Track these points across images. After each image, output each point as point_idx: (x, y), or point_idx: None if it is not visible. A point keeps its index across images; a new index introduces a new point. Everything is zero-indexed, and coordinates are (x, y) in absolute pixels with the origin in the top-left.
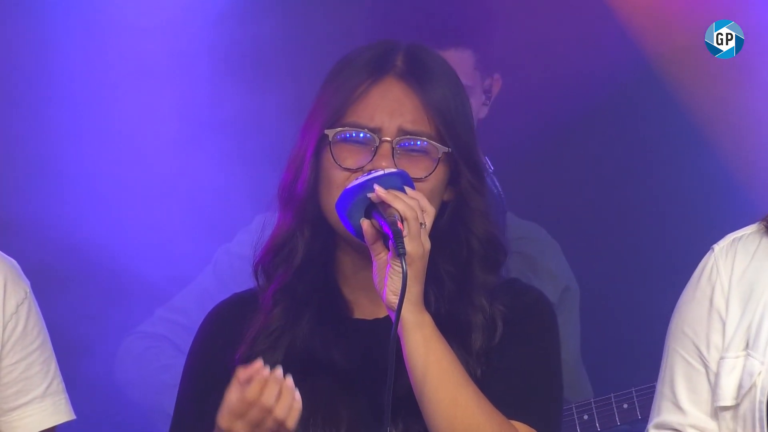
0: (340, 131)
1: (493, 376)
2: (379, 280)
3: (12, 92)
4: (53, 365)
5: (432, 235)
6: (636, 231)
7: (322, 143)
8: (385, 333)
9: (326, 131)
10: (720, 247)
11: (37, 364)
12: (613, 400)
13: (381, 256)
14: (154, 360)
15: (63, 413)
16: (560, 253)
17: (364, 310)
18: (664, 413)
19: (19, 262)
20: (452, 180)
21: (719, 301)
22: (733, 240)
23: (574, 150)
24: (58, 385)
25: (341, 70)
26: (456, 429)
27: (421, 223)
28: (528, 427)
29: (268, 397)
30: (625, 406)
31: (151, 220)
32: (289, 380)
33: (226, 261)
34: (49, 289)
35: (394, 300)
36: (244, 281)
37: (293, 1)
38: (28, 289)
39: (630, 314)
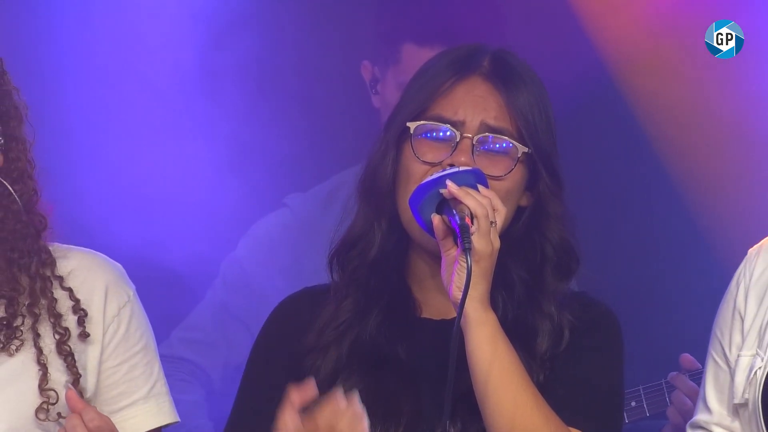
0: (422, 125)
1: (555, 383)
2: (447, 275)
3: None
4: (156, 367)
5: (506, 240)
6: (645, 231)
7: (403, 136)
8: (450, 333)
9: (408, 123)
10: (752, 249)
11: (140, 366)
12: None
13: (450, 252)
14: (171, 384)
15: (167, 415)
16: None
17: (433, 311)
18: (698, 413)
19: None
20: (530, 184)
21: (740, 300)
22: (763, 242)
23: (575, 150)
24: (162, 387)
25: (428, 69)
26: (515, 429)
27: (491, 222)
28: None
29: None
30: (633, 404)
31: (149, 225)
32: (357, 406)
33: (236, 270)
34: None
35: (459, 295)
36: (258, 285)
37: (293, 8)
38: (132, 293)
39: (637, 313)
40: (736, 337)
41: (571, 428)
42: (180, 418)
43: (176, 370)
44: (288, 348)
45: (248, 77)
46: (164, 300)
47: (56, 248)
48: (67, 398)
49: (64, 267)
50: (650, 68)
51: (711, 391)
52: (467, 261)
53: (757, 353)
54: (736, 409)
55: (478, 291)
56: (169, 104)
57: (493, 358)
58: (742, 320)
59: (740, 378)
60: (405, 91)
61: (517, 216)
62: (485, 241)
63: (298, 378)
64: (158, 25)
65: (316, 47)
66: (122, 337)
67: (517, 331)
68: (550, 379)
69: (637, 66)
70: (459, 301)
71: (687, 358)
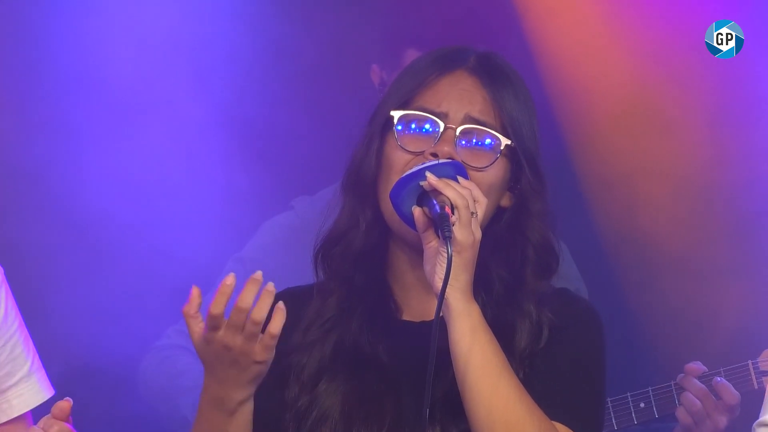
0: (406, 114)
1: (536, 378)
2: (430, 267)
3: (21, 94)
4: (30, 344)
5: (487, 240)
6: (648, 230)
7: (387, 126)
8: (431, 335)
9: (392, 112)
10: None
11: (20, 344)
12: (629, 399)
13: (432, 244)
14: (172, 366)
15: (48, 389)
16: (568, 255)
17: (413, 312)
18: (765, 413)
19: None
20: (512, 183)
21: None
22: None
23: (578, 151)
24: (38, 361)
25: (414, 65)
26: (495, 420)
27: (472, 213)
28: (568, 429)
29: (245, 299)
30: (642, 405)
31: (155, 228)
32: (270, 286)
33: (240, 270)
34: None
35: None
36: (261, 286)
37: (302, 11)
38: (2, 271)
39: (646, 315)
40: None
41: (554, 422)
42: (193, 381)
43: (177, 351)
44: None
45: (256, 81)
46: (170, 303)
47: None
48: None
49: None
50: (650, 67)
51: None
52: (447, 250)
53: None
54: None
55: (461, 282)
56: (176, 107)
57: (475, 349)
58: None
59: None
60: (391, 86)
61: (498, 216)
62: (466, 232)
63: (281, 376)
64: (165, 26)
65: (324, 51)
66: (2, 317)
67: (496, 329)
68: (530, 376)
69: (637, 65)
70: (439, 292)
71: (692, 368)
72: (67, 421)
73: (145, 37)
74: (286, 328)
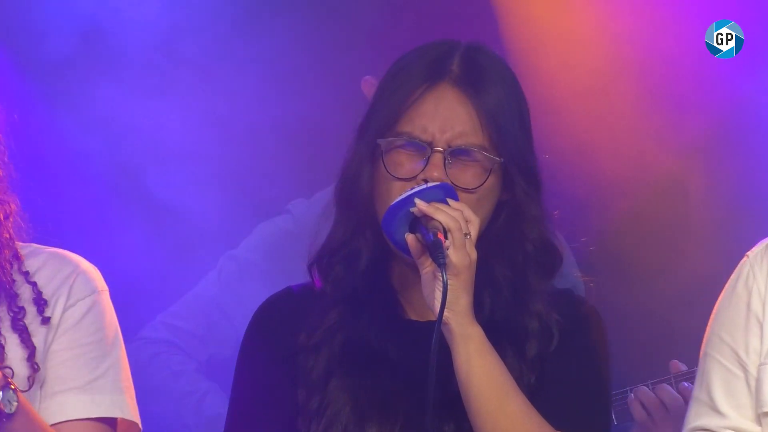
0: (392, 141)
1: (546, 387)
2: (428, 292)
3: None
4: (106, 366)
5: (488, 238)
6: (638, 232)
7: (376, 151)
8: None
9: (378, 141)
10: (754, 253)
11: (85, 357)
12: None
13: (428, 269)
14: (164, 368)
15: (102, 408)
16: (569, 254)
17: (418, 313)
18: (702, 417)
19: None
20: (506, 186)
21: (757, 305)
22: (767, 246)
23: (579, 151)
24: (106, 385)
25: (396, 74)
26: None
27: (465, 234)
28: None
29: None
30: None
31: (154, 229)
32: None
33: (234, 267)
34: None
35: (444, 312)
36: (253, 285)
37: (296, 13)
38: (99, 290)
39: (631, 316)
40: (754, 343)
41: None
42: (189, 385)
43: (165, 347)
44: (278, 347)
45: (251, 83)
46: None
47: (30, 246)
48: None
49: (31, 265)
50: (651, 67)
51: (720, 396)
52: (443, 276)
53: None
54: (759, 418)
55: (461, 305)
56: (172, 111)
57: (482, 372)
58: (761, 326)
59: None
60: (377, 94)
61: (496, 212)
62: (461, 254)
63: (291, 377)
64: (165, 27)
65: (321, 55)
66: (73, 325)
67: (508, 332)
68: (541, 381)
69: (637, 64)
70: (444, 318)
71: (675, 364)
72: None
73: (144, 40)
74: (291, 328)
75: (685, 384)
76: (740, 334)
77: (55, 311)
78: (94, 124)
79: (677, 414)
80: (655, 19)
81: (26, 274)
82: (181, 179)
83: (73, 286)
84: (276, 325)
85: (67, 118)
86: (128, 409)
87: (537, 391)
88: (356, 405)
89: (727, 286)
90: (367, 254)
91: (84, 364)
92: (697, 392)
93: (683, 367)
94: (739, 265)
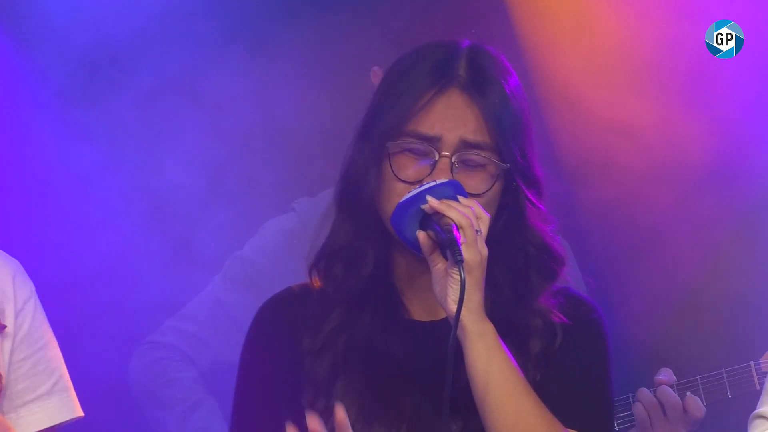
0: (401, 143)
1: (551, 385)
2: (440, 290)
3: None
4: (59, 362)
5: (489, 241)
6: (641, 230)
7: (382, 153)
8: (442, 334)
9: (387, 144)
10: None
11: (43, 361)
12: None
13: (439, 266)
14: (162, 373)
15: (70, 410)
16: (571, 256)
17: (421, 312)
18: (763, 405)
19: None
20: (507, 189)
21: None
22: None
23: (580, 150)
24: (65, 382)
25: (401, 77)
26: None
27: (476, 230)
28: None
29: None
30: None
31: (154, 234)
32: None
33: (239, 268)
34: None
35: (455, 309)
36: (259, 286)
37: (299, 11)
38: (33, 288)
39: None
40: None
41: (569, 431)
42: (181, 393)
43: (169, 353)
44: (280, 347)
45: (256, 80)
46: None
47: None
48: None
49: None
50: (651, 67)
51: None
52: (461, 274)
53: None
54: None
55: (473, 302)
56: (172, 106)
57: (493, 369)
58: None
59: None
60: (381, 95)
61: (497, 214)
62: (473, 251)
63: (295, 377)
64: (165, 25)
65: (325, 52)
66: (27, 331)
67: (510, 332)
68: (545, 381)
69: (638, 64)
70: (452, 315)
71: (660, 379)
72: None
73: (143, 39)
74: (294, 331)
75: (687, 394)
76: None
77: (6, 318)
78: (94, 125)
79: (674, 417)
80: (675, 6)
81: None
82: (184, 179)
83: (16, 287)
84: (278, 325)
85: (68, 120)
86: (78, 408)
87: (541, 389)
88: (363, 405)
89: None
90: (372, 255)
91: (44, 368)
92: (766, 383)
93: (672, 378)
94: None
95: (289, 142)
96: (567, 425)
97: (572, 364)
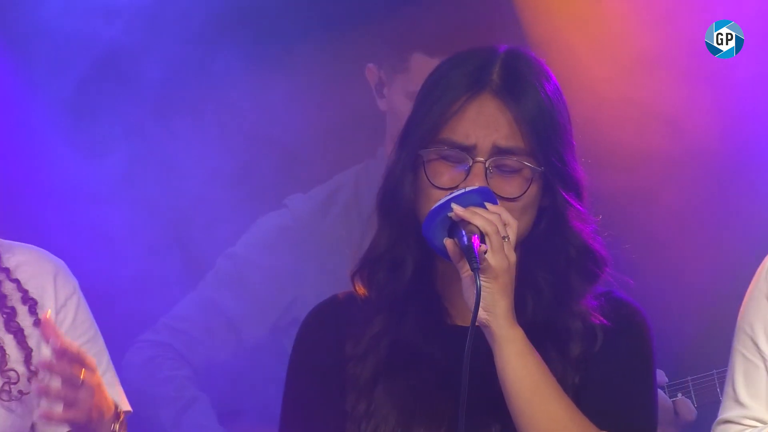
0: (435, 150)
1: (591, 387)
2: (468, 296)
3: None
4: (105, 359)
5: (530, 242)
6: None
7: (417, 161)
8: (482, 338)
9: (421, 152)
10: None
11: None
12: None
13: (467, 273)
14: (156, 371)
15: (119, 404)
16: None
17: (463, 317)
18: (726, 411)
19: None
20: (546, 192)
21: None
22: None
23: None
24: (111, 378)
25: (436, 84)
26: None
27: (504, 237)
28: None
29: None
30: None
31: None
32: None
33: (231, 266)
34: None
35: (483, 315)
36: (251, 283)
37: (293, 7)
38: (77, 285)
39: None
40: None
41: None
42: (175, 392)
43: (163, 351)
44: (328, 355)
45: (248, 76)
46: (166, 304)
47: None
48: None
49: (9, 260)
50: (651, 67)
51: (742, 387)
52: (476, 281)
53: None
54: None
55: (501, 308)
56: (167, 104)
57: (524, 374)
58: None
59: None
60: (418, 103)
61: (538, 216)
62: (500, 257)
63: (340, 385)
64: (148, 22)
65: (319, 49)
66: (70, 325)
67: (550, 335)
68: (584, 383)
69: (638, 64)
70: (484, 321)
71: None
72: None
73: (143, 38)
74: (339, 338)
75: (678, 395)
76: (760, 325)
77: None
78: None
79: (664, 420)
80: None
81: (7, 270)
82: (176, 175)
83: (57, 284)
84: (323, 332)
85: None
86: (126, 403)
87: (581, 391)
88: (403, 409)
89: (752, 280)
90: (411, 261)
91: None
92: (726, 386)
93: (663, 379)
94: (764, 259)
95: (281, 138)
96: (607, 428)
97: (613, 367)
